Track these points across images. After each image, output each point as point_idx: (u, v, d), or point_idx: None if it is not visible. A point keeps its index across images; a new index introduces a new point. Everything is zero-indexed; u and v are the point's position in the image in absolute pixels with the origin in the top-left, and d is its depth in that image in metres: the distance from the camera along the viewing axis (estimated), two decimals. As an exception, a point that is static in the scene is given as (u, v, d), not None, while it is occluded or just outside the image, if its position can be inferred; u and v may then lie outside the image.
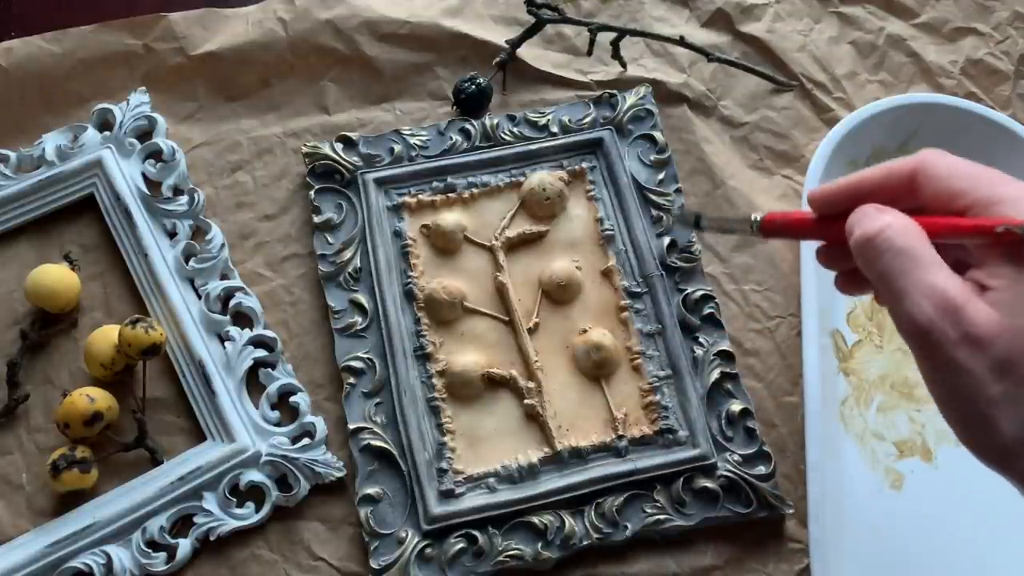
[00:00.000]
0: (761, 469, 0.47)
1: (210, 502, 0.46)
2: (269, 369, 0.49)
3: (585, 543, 0.45)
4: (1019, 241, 0.29)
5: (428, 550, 0.45)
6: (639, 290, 0.51)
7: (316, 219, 0.52)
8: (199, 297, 0.51)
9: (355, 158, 0.54)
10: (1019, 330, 0.28)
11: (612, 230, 0.53)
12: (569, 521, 0.45)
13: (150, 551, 0.45)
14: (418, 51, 0.59)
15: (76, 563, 0.44)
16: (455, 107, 0.57)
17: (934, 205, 0.32)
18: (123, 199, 0.52)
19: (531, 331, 0.50)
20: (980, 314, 0.28)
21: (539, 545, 0.45)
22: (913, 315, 0.29)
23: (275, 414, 0.48)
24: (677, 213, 0.53)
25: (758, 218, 0.36)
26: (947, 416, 0.30)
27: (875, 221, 0.30)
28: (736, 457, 0.47)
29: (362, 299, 0.50)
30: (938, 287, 0.29)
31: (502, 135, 0.55)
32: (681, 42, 0.57)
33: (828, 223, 0.34)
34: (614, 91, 0.56)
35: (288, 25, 0.58)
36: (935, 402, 0.30)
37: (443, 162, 0.54)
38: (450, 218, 0.52)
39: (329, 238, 0.52)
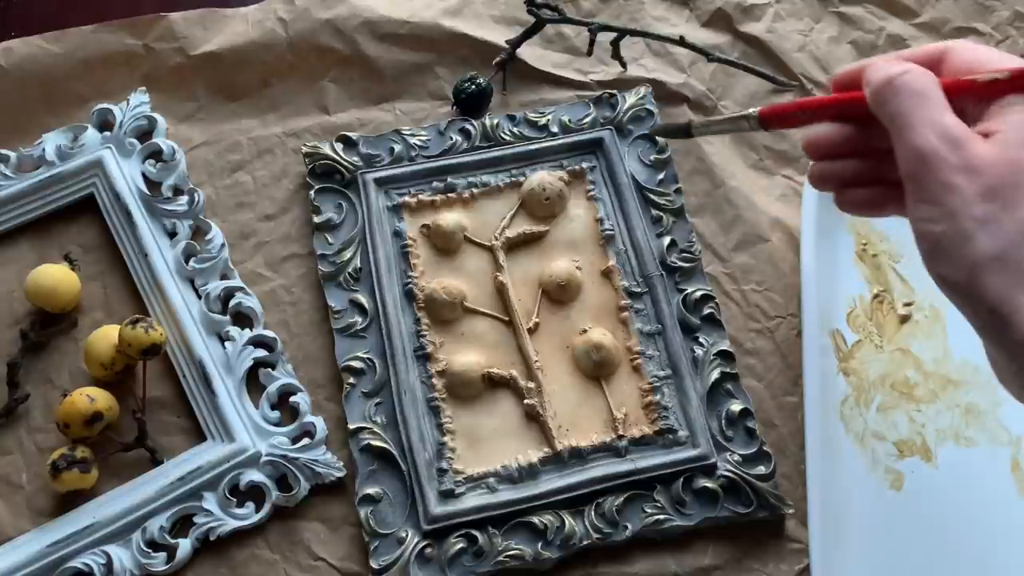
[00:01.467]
0: (761, 469, 0.47)
1: (210, 502, 0.46)
2: (269, 369, 0.49)
3: (585, 543, 0.45)
4: None
5: (428, 550, 0.45)
6: (639, 290, 0.51)
7: (316, 219, 0.52)
8: (199, 297, 0.51)
9: (355, 158, 0.54)
10: (1014, 162, 0.30)
11: (612, 230, 0.53)
12: (569, 521, 0.45)
13: (150, 551, 0.45)
14: (418, 51, 0.59)
15: (76, 563, 0.44)
16: (455, 107, 0.57)
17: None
18: (123, 199, 0.52)
19: (531, 331, 0.50)
20: (980, 147, 0.31)
21: (539, 545, 0.45)
22: (917, 143, 0.31)
23: (275, 414, 0.48)
24: (660, 125, 0.52)
25: (755, 112, 0.39)
26: (925, 234, 0.32)
27: (896, 66, 0.33)
28: (736, 457, 0.47)
29: (362, 299, 0.50)
30: (945, 122, 0.31)
31: (502, 135, 0.55)
32: (681, 42, 0.57)
33: (836, 103, 0.37)
34: (614, 91, 0.57)
35: (288, 25, 0.58)
36: (913, 224, 0.32)
37: (443, 162, 0.54)
38: (450, 218, 0.52)
39: (329, 238, 0.52)
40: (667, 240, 0.52)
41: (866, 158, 0.38)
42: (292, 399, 0.48)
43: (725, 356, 0.49)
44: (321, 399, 0.49)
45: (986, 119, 0.32)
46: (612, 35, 0.58)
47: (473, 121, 0.55)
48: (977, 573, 0.46)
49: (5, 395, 0.49)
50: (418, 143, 0.54)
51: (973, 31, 0.61)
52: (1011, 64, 0.33)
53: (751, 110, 0.40)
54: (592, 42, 0.58)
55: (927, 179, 0.31)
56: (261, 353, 0.49)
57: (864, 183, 0.38)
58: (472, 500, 0.46)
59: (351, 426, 0.47)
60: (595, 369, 0.49)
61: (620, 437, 0.47)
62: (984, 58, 0.34)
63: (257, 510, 0.46)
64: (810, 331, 0.49)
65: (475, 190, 0.54)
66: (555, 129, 0.55)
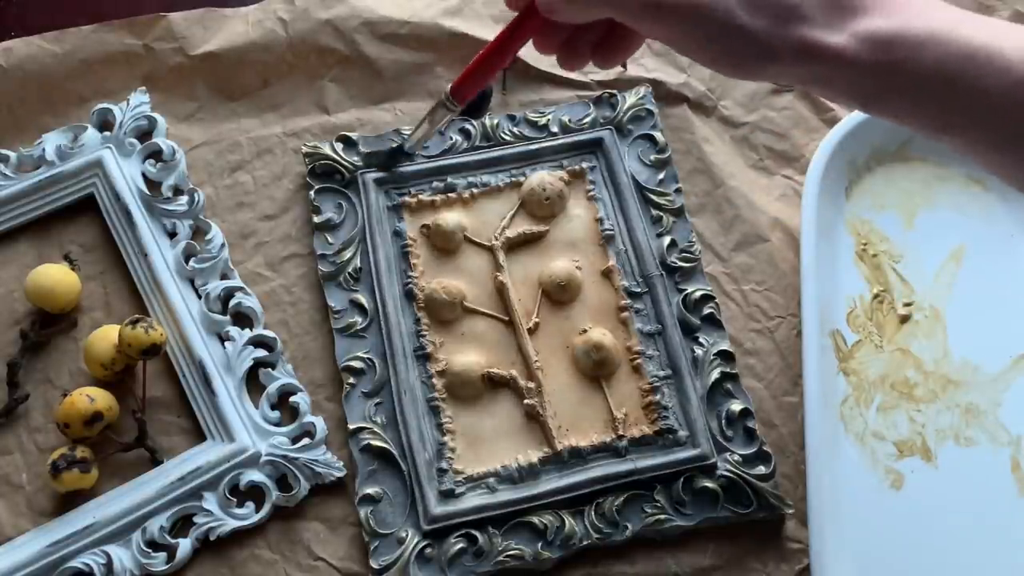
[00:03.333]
0: (761, 469, 0.47)
1: (210, 502, 0.46)
2: (269, 369, 0.49)
3: (585, 543, 0.45)
4: None
5: (428, 550, 0.45)
6: (639, 290, 0.51)
7: (316, 219, 0.52)
8: (199, 297, 0.51)
9: (355, 158, 0.54)
10: None
11: (612, 230, 0.53)
12: (569, 521, 0.45)
13: (150, 551, 0.45)
14: (418, 51, 0.59)
15: (76, 563, 0.44)
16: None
17: None
18: (123, 199, 0.52)
19: (531, 331, 0.50)
20: None
21: (539, 545, 0.45)
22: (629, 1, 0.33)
23: (275, 414, 0.48)
24: (378, 158, 0.53)
25: (446, 93, 0.40)
26: (733, 50, 0.33)
27: None
28: (736, 457, 0.47)
29: (362, 299, 0.50)
30: None
31: (502, 135, 0.55)
32: (681, 42, 0.57)
33: (516, 37, 0.38)
34: (614, 91, 0.56)
35: (288, 25, 0.58)
36: (711, 54, 0.34)
37: (443, 162, 0.54)
38: (450, 218, 0.52)
39: (329, 238, 0.52)
40: (667, 240, 0.52)
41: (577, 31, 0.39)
42: (292, 399, 0.48)
43: (725, 356, 0.49)
44: (321, 399, 0.49)
45: None
46: (612, 35, 0.58)
47: (473, 121, 0.55)
48: (977, 573, 0.46)
49: (5, 395, 0.49)
50: (418, 143, 0.54)
51: (973, 31, 0.61)
52: None
53: (443, 94, 0.41)
54: (592, 42, 0.58)
55: (672, 16, 0.32)
56: (261, 353, 0.49)
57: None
58: (472, 500, 0.46)
59: (351, 426, 0.47)
60: (595, 369, 0.49)
61: (620, 437, 0.47)
62: None
63: (257, 510, 0.46)
64: (810, 331, 0.49)
65: (475, 190, 0.54)
66: (555, 129, 0.55)
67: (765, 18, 0.32)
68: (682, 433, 0.47)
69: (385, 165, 0.53)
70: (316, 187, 0.53)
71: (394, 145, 0.47)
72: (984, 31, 0.31)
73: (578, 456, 0.47)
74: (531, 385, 0.48)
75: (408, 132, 0.54)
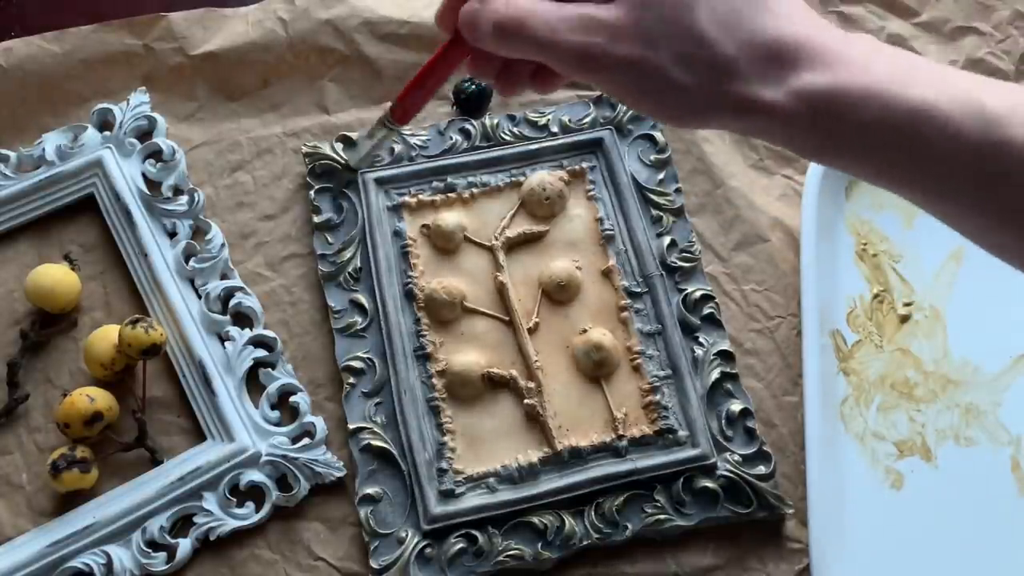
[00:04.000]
0: (761, 469, 0.47)
1: (210, 502, 0.46)
2: (269, 369, 0.49)
3: (585, 543, 0.45)
4: None
5: (428, 550, 0.45)
6: (639, 290, 0.51)
7: (316, 219, 0.52)
8: (199, 297, 0.51)
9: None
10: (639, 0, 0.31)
11: (612, 230, 0.53)
12: (569, 521, 0.45)
13: (150, 551, 0.45)
14: (418, 51, 0.58)
15: (76, 563, 0.44)
16: (455, 107, 0.57)
17: None
18: (123, 199, 0.52)
19: (531, 331, 0.50)
20: (605, 11, 0.31)
21: (539, 545, 0.45)
22: (564, 54, 0.31)
23: (275, 414, 0.48)
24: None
25: (386, 112, 0.40)
26: (668, 104, 0.32)
27: (486, 10, 0.33)
28: (736, 457, 0.47)
29: (362, 299, 0.50)
30: (565, 18, 0.31)
31: (502, 135, 0.55)
32: (681, 42, 0.57)
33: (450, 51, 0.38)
34: (614, 91, 0.56)
35: (288, 25, 0.58)
36: (646, 107, 0.33)
37: (443, 162, 0.54)
38: (450, 218, 0.52)
39: (329, 238, 0.52)
40: (667, 240, 0.52)
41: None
42: (292, 399, 0.48)
43: (725, 356, 0.49)
44: (321, 399, 0.49)
45: None
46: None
47: (473, 121, 0.55)
48: (977, 573, 0.46)
49: (5, 395, 0.49)
50: (418, 143, 0.54)
51: (973, 30, 0.61)
52: None
53: (384, 114, 0.41)
54: (592, 42, 0.58)
55: (602, 71, 0.31)
56: (261, 353, 0.49)
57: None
58: (472, 500, 0.46)
59: (351, 426, 0.47)
60: (595, 369, 0.49)
61: (620, 437, 0.47)
62: None
63: (257, 510, 0.46)
64: (810, 331, 0.49)
65: (475, 190, 0.54)
66: (555, 129, 0.55)
67: (700, 74, 0.30)
68: (682, 433, 0.47)
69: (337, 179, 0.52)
70: (316, 187, 0.53)
71: (341, 163, 0.47)
72: (923, 85, 0.30)
73: (578, 456, 0.47)
74: (531, 385, 0.48)
75: (408, 132, 0.55)
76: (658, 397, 0.48)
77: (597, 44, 0.31)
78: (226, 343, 0.49)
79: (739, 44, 0.30)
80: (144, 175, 0.54)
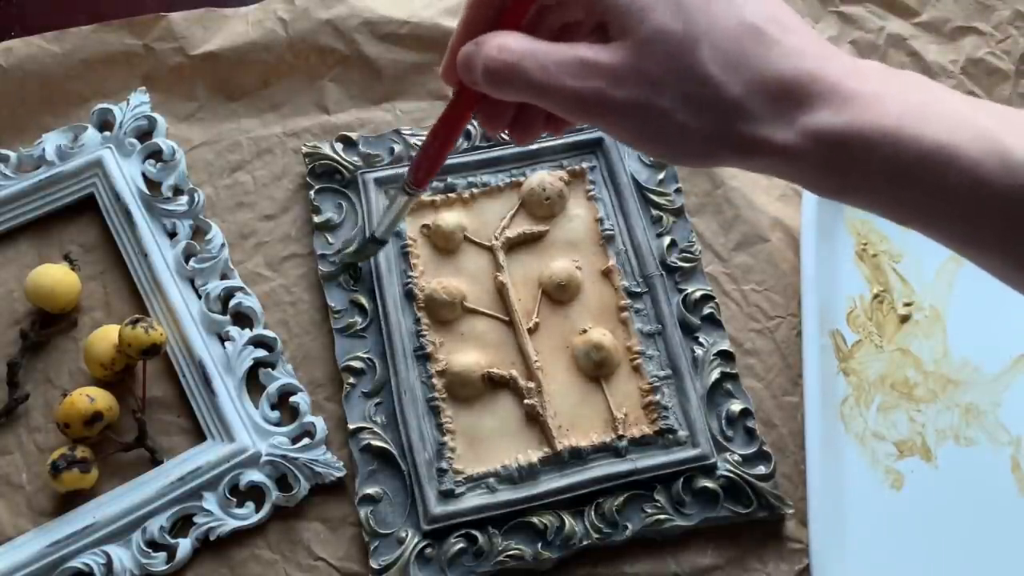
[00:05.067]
0: (761, 469, 0.47)
1: (210, 502, 0.46)
2: (269, 369, 0.49)
3: (585, 543, 0.45)
4: None
5: (428, 550, 0.45)
6: (639, 290, 0.51)
7: (316, 219, 0.52)
8: (199, 297, 0.51)
9: (355, 158, 0.54)
10: (639, 41, 0.29)
11: (612, 230, 0.53)
12: (569, 521, 0.45)
13: (150, 551, 0.45)
14: (418, 51, 0.58)
15: (76, 563, 0.44)
16: (455, 107, 0.57)
17: None
18: (123, 199, 0.52)
19: (531, 331, 0.50)
20: (606, 54, 0.30)
21: (539, 545, 0.45)
22: (561, 98, 0.30)
23: (275, 414, 0.48)
24: (347, 254, 0.50)
25: (406, 180, 0.38)
26: (675, 146, 0.31)
27: (483, 51, 0.31)
28: (736, 457, 0.47)
29: (362, 299, 0.50)
30: (562, 61, 0.30)
31: (502, 135, 0.55)
32: (681, 42, 0.57)
33: (461, 102, 0.35)
34: (614, 91, 0.56)
35: (288, 25, 0.58)
36: (652, 149, 0.32)
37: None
38: (450, 218, 0.52)
39: (329, 238, 0.52)
40: (667, 240, 0.52)
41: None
42: (292, 399, 0.48)
43: (725, 356, 0.49)
44: (321, 399, 0.49)
45: (587, 15, 0.33)
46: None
47: (474, 121, 0.55)
48: (977, 573, 0.46)
49: (5, 395, 0.49)
50: (418, 143, 0.54)
51: (974, 30, 0.61)
52: None
53: (404, 182, 0.39)
54: (592, 42, 0.58)
55: (602, 115, 0.30)
56: (261, 353, 0.49)
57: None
58: (472, 500, 0.46)
59: (351, 426, 0.47)
60: (595, 369, 0.49)
61: (620, 437, 0.47)
62: None
63: (257, 510, 0.46)
64: (810, 331, 0.49)
65: (475, 190, 0.54)
66: (555, 129, 0.55)
67: (706, 116, 0.29)
68: (682, 433, 0.47)
69: (362, 253, 0.50)
70: (316, 187, 0.53)
71: (364, 236, 0.46)
72: (940, 123, 0.28)
73: (578, 456, 0.47)
74: (531, 385, 0.48)
75: (408, 132, 0.55)
76: (658, 397, 0.48)
77: (597, 88, 0.30)
78: (226, 343, 0.49)
79: (746, 83, 0.29)
80: (144, 175, 0.54)
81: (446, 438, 0.47)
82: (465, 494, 0.46)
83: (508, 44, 0.31)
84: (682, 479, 0.46)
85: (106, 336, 0.48)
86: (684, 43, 0.29)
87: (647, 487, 0.46)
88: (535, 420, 0.48)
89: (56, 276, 0.50)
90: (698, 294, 0.51)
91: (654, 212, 0.53)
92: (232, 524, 0.46)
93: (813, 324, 0.49)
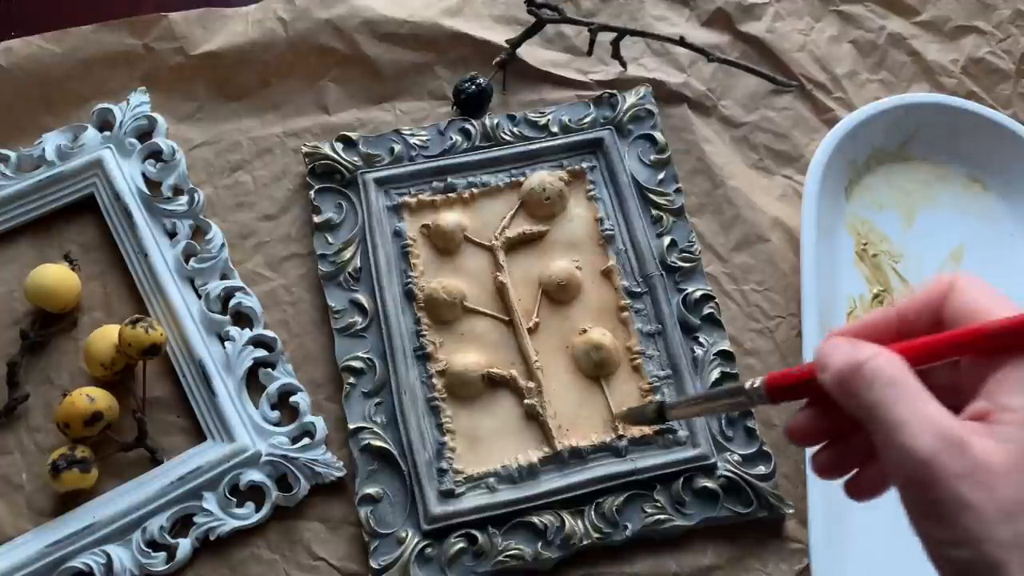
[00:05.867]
0: (761, 469, 0.47)
1: (210, 502, 0.46)
2: (269, 369, 0.49)
3: (585, 543, 0.45)
4: None
5: (428, 550, 0.45)
6: (639, 290, 0.51)
7: (316, 219, 0.52)
8: (199, 297, 0.51)
9: (355, 158, 0.54)
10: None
11: (612, 230, 0.52)
12: (569, 521, 0.45)
13: (150, 551, 0.45)
14: (418, 51, 0.59)
15: (76, 563, 0.44)
16: (455, 107, 0.57)
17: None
18: (123, 199, 0.52)
19: (531, 331, 0.50)
20: (984, 447, 0.25)
21: (539, 545, 0.45)
22: (913, 446, 0.25)
23: (275, 414, 0.48)
24: (627, 412, 0.43)
25: (758, 384, 0.31)
26: (947, 559, 0.26)
27: (859, 352, 0.28)
28: (736, 457, 0.47)
29: (362, 299, 0.50)
30: (936, 418, 0.25)
31: (502, 135, 0.55)
32: (681, 42, 0.57)
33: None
34: (614, 91, 0.56)
35: (288, 25, 0.58)
36: (926, 546, 0.27)
37: (443, 162, 0.54)
38: (450, 218, 0.52)
39: (329, 238, 0.52)
40: (667, 240, 0.52)
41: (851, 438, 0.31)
42: (292, 399, 0.48)
43: (725, 356, 0.49)
44: (321, 399, 0.49)
45: (981, 395, 0.27)
46: (612, 35, 0.58)
47: (473, 121, 0.55)
48: (977, 573, 0.46)
49: (5, 395, 0.49)
50: (418, 143, 0.54)
51: (974, 29, 0.61)
52: (1007, 311, 0.27)
53: (753, 382, 0.32)
54: (592, 42, 0.58)
55: (931, 492, 0.25)
56: (261, 353, 0.49)
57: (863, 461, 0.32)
58: (472, 500, 0.46)
59: (351, 426, 0.47)
60: (595, 369, 0.49)
61: (620, 437, 0.47)
62: (984, 305, 0.27)
63: (257, 510, 0.46)
64: (810, 331, 0.49)
65: (475, 190, 0.54)
66: (555, 129, 0.55)
67: None
68: (682, 433, 0.47)
69: (641, 418, 0.41)
70: (316, 187, 0.53)
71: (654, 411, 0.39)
72: None
73: (578, 456, 0.47)
74: (531, 385, 0.48)
75: (408, 132, 0.54)
76: (658, 397, 0.48)
77: (945, 467, 0.25)
78: (226, 343, 0.49)
79: None
80: (144, 175, 0.54)
81: (446, 438, 0.47)
82: (465, 494, 0.46)
83: (896, 362, 0.27)
84: (682, 479, 0.46)
85: (106, 336, 0.48)
86: None
87: (647, 487, 0.46)
88: (535, 420, 0.48)
89: (56, 276, 0.50)
90: (698, 294, 0.51)
91: (654, 212, 0.53)
92: (232, 524, 0.46)
93: (813, 324, 0.49)
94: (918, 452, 0.25)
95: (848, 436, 0.31)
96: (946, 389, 0.28)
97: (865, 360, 0.27)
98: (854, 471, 0.32)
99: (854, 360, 0.27)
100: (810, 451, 0.33)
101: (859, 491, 0.32)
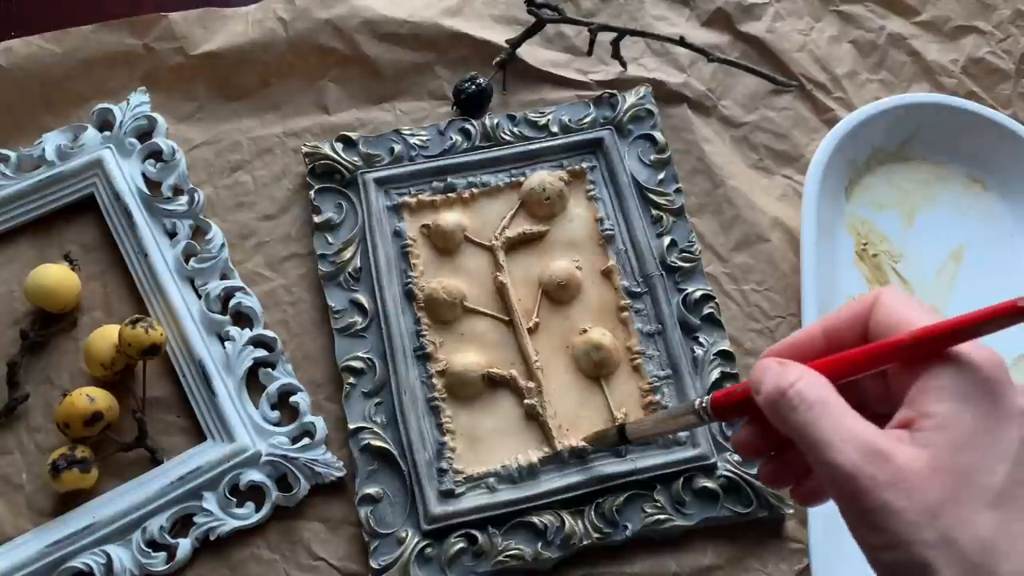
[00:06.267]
0: (761, 469, 0.47)
1: (210, 502, 0.46)
2: (269, 369, 0.49)
3: (585, 543, 0.45)
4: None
5: (428, 550, 0.45)
6: (639, 290, 0.51)
7: (316, 219, 0.52)
8: (199, 297, 0.51)
9: (355, 158, 0.54)
10: (948, 471, 0.26)
11: (612, 230, 0.52)
12: (569, 521, 0.45)
13: (150, 551, 0.45)
14: (418, 51, 0.59)
15: (76, 563, 0.44)
16: (455, 107, 0.57)
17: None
18: (123, 199, 0.52)
19: (531, 331, 0.50)
20: (906, 455, 0.26)
21: (539, 545, 0.45)
22: (838, 462, 0.27)
23: (275, 414, 0.48)
24: (592, 435, 0.46)
25: (705, 403, 0.34)
26: (880, 563, 0.28)
27: (785, 376, 0.29)
28: (736, 457, 0.47)
29: (362, 299, 0.50)
30: (858, 432, 0.27)
31: (502, 135, 0.55)
32: (681, 42, 0.57)
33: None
34: (614, 91, 0.56)
35: (288, 25, 0.58)
36: (864, 552, 0.28)
37: (443, 162, 0.54)
38: (450, 218, 0.52)
39: (329, 238, 0.52)
40: (667, 240, 0.52)
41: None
42: (292, 399, 0.48)
43: (725, 356, 0.49)
44: (321, 399, 0.49)
45: (905, 403, 0.28)
46: (612, 35, 0.58)
47: (473, 121, 0.55)
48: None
49: (5, 395, 0.49)
50: (418, 143, 0.54)
51: (974, 29, 0.61)
52: (930, 320, 0.28)
53: (700, 401, 0.34)
54: (592, 42, 0.58)
55: (860, 502, 0.27)
56: (261, 353, 0.49)
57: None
58: (472, 500, 0.46)
59: (351, 426, 0.47)
60: (595, 369, 0.49)
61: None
62: (906, 316, 0.29)
63: (257, 510, 0.46)
64: (810, 331, 0.49)
65: (475, 190, 0.54)
66: (555, 129, 0.55)
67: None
68: (682, 433, 0.47)
69: (603, 441, 0.45)
70: (316, 187, 0.53)
71: (614, 435, 0.43)
72: None
73: (578, 456, 0.47)
74: (531, 385, 0.48)
75: (408, 132, 0.54)
76: (658, 397, 0.48)
77: (870, 478, 0.26)
78: (226, 343, 0.49)
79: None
80: (144, 175, 0.54)
81: (446, 438, 0.47)
82: (465, 494, 0.46)
83: (817, 383, 0.28)
84: (682, 479, 0.46)
85: (106, 336, 0.48)
86: (972, 506, 0.26)
87: (647, 487, 0.46)
88: (535, 420, 0.48)
89: (56, 276, 0.50)
90: (698, 294, 0.51)
91: (654, 212, 0.53)
92: (232, 524, 0.46)
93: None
94: (843, 467, 0.27)
95: (788, 449, 0.32)
96: (883, 397, 0.30)
97: (789, 385, 0.29)
98: (801, 479, 0.33)
99: (779, 385, 0.29)
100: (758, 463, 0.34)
101: (806, 498, 0.33)
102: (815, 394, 0.28)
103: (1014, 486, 0.26)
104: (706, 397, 0.34)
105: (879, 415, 0.29)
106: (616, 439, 0.42)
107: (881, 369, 0.29)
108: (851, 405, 0.28)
